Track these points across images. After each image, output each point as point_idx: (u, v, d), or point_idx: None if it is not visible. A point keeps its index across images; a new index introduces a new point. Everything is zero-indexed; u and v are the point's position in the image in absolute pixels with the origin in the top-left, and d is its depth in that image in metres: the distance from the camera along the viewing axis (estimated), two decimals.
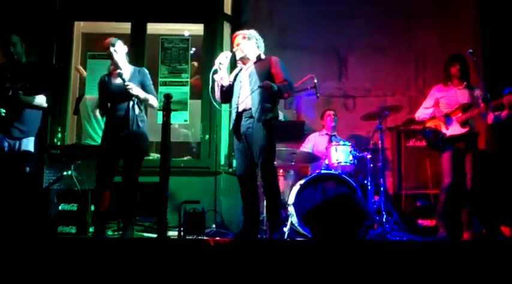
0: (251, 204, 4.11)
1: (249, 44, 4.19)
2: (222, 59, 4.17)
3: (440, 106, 4.81)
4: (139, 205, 4.37)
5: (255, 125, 3.98)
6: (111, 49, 4.31)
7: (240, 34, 4.25)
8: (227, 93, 4.23)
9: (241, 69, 4.26)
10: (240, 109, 4.10)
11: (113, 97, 4.27)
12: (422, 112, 4.88)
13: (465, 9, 6.38)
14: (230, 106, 4.23)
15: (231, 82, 4.23)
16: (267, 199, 4.11)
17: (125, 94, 4.18)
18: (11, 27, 4.73)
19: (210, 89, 4.29)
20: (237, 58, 4.26)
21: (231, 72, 4.48)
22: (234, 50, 4.27)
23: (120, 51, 4.36)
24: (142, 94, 4.24)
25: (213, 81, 4.25)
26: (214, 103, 4.29)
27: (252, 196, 4.10)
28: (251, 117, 4.02)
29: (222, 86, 4.22)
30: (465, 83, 4.75)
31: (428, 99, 4.90)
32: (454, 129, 4.65)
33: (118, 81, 4.25)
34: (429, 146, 4.84)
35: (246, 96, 4.06)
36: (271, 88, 3.91)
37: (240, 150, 4.12)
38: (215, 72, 4.19)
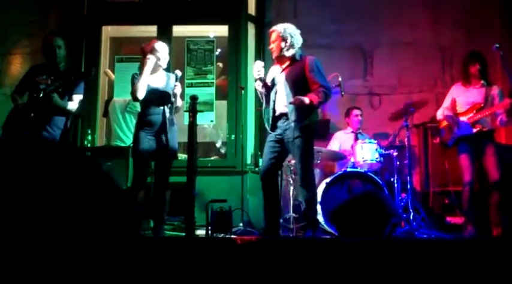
0: (272, 202, 4.07)
1: (283, 44, 4.04)
2: (257, 73, 4.08)
3: (456, 105, 4.81)
4: (168, 204, 4.44)
5: (292, 130, 3.90)
6: (156, 54, 4.28)
7: (275, 31, 4.10)
8: (268, 97, 4.16)
9: (277, 70, 4.16)
10: (276, 113, 4.04)
11: (148, 99, 4.22)
12: (439, 113, 4.91)
13: (493, 3, 6.27)
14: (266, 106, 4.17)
15: (269, 84, 4.15)
16: (306, 201, 4.01)
17: (162, 97, 4.19)
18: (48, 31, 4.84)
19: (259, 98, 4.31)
20: (273, 57, 4.17)
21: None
22: (269, 47, 4.17)
23: (161, 57, 4.32)
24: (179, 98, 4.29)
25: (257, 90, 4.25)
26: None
27: (273, 195, 4.07)
28: (288, 119, 3.96)
29: (263, 94, 4.17)
30: (482, 82, 4.72)
31: (447, 98, 4.92)
32: (466, 129, 4.65)
33: (155, 84, 4.26)
34: (442, 145, 4.85)
35: (282, 101, 4.01)
36: (302, 104, 3.83)
37: (270, 146, 4.05)
38: (256, 81, 4.14)
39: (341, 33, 6.24)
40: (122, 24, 6.32)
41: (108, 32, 6.32)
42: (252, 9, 6.26)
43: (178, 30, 6.12)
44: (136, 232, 4.04)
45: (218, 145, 6.32)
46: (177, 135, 4.34)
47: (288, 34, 4.05)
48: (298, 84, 3.97)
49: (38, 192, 1.86)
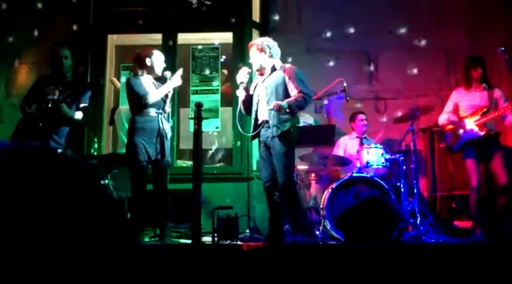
0: (276, 209, 4.18)
1: (262, 55, 4.21)
2: (242, 78, 4.25)
3: (460, 110, 4.80)
4: (173, 211, 4.45)
5: (273, 137, 4.04)
6: (150, 59, 4.34)
7: (254, 45, 4.29)
8: (248, 105, 4.32)
9: (259, 80, 4.31)
10: (259, 122, 4.19)
11: (142, 106, 4.24)
12: (442, 118, 4.89)
13: (498, 5, 6.25)
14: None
15: (252, 94, 4.31)
16: (288, 207, 4.12)
17: (155, 104, 4.24)
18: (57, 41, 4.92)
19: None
20: (254, 69, 4.33)
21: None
22: (250, 61, 4.36)
23: (157, 64, 4.38)
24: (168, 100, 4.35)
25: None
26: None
27: (277, 202, 4.16)
28: (269, 127, 4.09)
29: (243, 100, 4.32)
30: (483, 85, 4.71)
31: (449, 103, 4.90)
32: (472, 133, 4.62)
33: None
34: (448, 149, 4.83)
35: (264, 109, 4.14)
36: (281, 108, 3.96)
37: (263, 157, 4.21)
38: (238, 87, 4.31)
39: (345, 38, 6.23)
40: (128, 33, 6.35)
41: (114, 40, 6.35)
42: (256, 16, 6.28)
43: (183, 37, 6.15)
44: (132, 240, 4.04)
45: (212, 151, 6.33)
46: (169, 143, 4.39)
47: (265, 46, 4.23)
48: (279, 91, 4.11)
49: (40, 199, 1.87)
